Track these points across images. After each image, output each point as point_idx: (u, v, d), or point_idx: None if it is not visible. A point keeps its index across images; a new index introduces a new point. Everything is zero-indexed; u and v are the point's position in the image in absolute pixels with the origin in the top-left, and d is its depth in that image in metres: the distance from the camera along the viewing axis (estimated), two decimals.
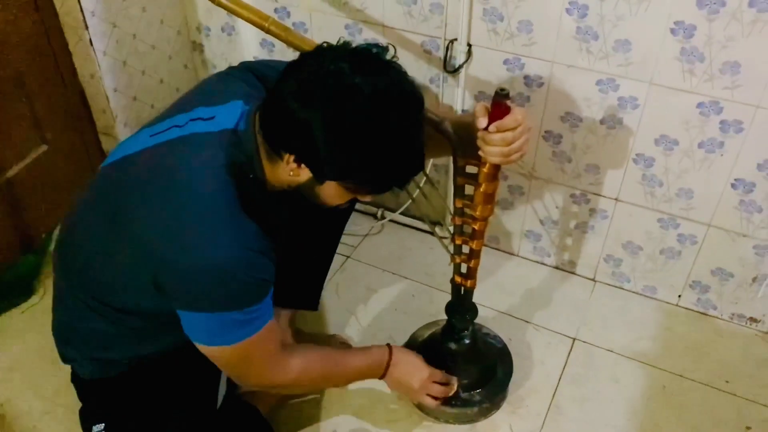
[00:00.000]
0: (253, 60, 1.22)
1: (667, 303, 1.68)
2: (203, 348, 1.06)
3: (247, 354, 1.07)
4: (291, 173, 1.00)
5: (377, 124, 0.93)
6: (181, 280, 0.98)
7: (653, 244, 1.60)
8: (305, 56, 0.99)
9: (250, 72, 1.15)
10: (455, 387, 1.38)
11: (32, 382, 1.48)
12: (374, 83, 0.93)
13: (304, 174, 1.00)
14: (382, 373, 1.30)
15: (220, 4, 1.05)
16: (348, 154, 0.95)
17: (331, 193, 1.03)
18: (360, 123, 0.93)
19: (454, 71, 1.54)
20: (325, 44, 1.01)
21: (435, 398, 1.35)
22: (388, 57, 0.99)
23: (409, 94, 0.98)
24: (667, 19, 1.28)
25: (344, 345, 1.56)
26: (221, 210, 0.97)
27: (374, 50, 0.98)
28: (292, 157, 0.98)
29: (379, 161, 0.97)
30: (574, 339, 1.60)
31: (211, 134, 1.02)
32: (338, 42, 1.01)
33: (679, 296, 1.66)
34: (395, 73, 0.97)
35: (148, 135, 1.08)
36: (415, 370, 1.33)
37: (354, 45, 0.99)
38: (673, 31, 1.28)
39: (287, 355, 1.15)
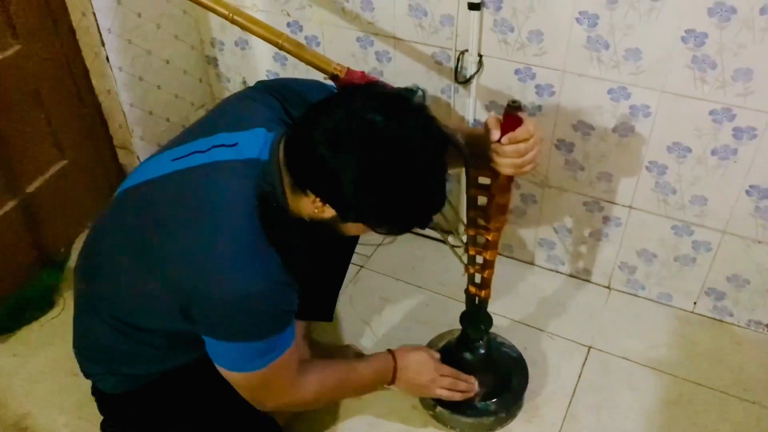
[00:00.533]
0: (270, 79, 1.22)
1: (683, 310, 1.68)
2: (225, 373, 1.08)
3: (267, 379, 1.10)
4: (316, 210, 1.02)
5: (407, 173, 0.95)
6: (211, 311, 1.00)
7: (667, 251, 1.60)
8: (334, 101, 1.00)
9: (270, 95, 1.15)
10: (472, 381, 1.39)
11: (53, 395, 1.50)
12: (405, 133, 0.95)
13: (329, 212, 1.01)
14: (391, 378, 1.31)
15: (234, 23, 1.07)
16: (375, 201, 0.97)
17: (354, 229, 1.06)
18: (390, 172, 0.95)
19: (465, 82, 1.55)
20: (352, 87, 1.02)
21: (451, 392, 1.36)
22: (416, 100, 1.00)
23: (438, 140, 0.99)
24: (677, 27, 1.28)
25: (358, 355, 1.56)
26: (248, 242, 0.98)
27: (403, 94, 1.00)
28: (318, 199, 0.99)
29: (406, 207, 1.00)
30: (589, 347, 1.60)
31: (235, 162, 1.03)
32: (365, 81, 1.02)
33: (695, 303, 1.66)
34: (424, 119, 0.98)
35: (169, 159, 1.08)
36: (421, 367, 1.34)
37: (380, 86, 1.01)
38: (683, 39, 1.29)
39: (302, 378, 1.17)
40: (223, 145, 1.05)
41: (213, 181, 1.02)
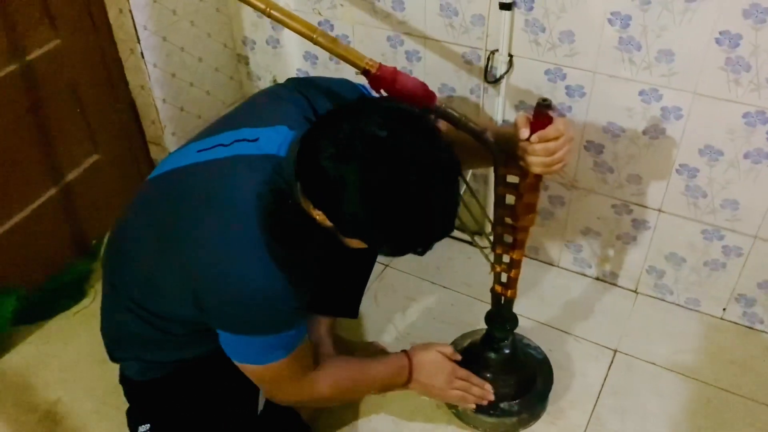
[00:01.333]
0: (300, 77, 1.23)
1: (712, 316, 1.65)
2: (238, 364, 1.11)
3: (278, 374, 1.12)
4: (317, 217, 1.00)
5: (408, 193, 0.92)
6: (220, 305, 1.02)
7: (697, 255, 1.58)
8: (343, 112, 0.98)
9: (299, 93, 1.15)
10: (487, 388, 1.38)
11: (83, 383, 1.53)
12: (411, 151, 0.91)
13: (329, 222, 1.00)
14: (406, 379, 1.31)
15: (271, 16, 1.08)
16: (373, 218, 0.93)
17: (354, 242, 1.03)
18: (391, 190, 0.91)
19: (495, 82, 1.55)
20: (363, 99, 1.01)
21: (466, 396, 1.36)
22: (426, 119, 0.97)
23: (447, 165, 0.95)
24: (711, 28, 1.27)
25: (383, 353, 1.57)
26: (260, 238, 0.98)
27: (414, 113, 0.96)
28: (319, 210, 0.98)
29: (404, 228, 0.95)
30: (615, 351, 1.58)
31: (255, 157, 1.03)
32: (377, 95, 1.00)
33: (724, 309, 1.63)
34: (434, 140, 0.94)
35: (195, 150, 1.10)
36: (436, 368, 1.33)
37: (392, 104, 0.97)
38: (717, 40, 1.27)
39: (315, 374, 1.19)
40: (245, 140, 1.07)
41: (230, 175, 1.03)
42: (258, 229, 0.99)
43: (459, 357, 1.38)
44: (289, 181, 1.02)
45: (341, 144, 0.92)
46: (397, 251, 1.01)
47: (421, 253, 1.00)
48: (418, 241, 0.98)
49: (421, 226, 0.96)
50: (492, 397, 1.38)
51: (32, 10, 1.52)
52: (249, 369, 1.11)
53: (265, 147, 1.04)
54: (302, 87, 1.17)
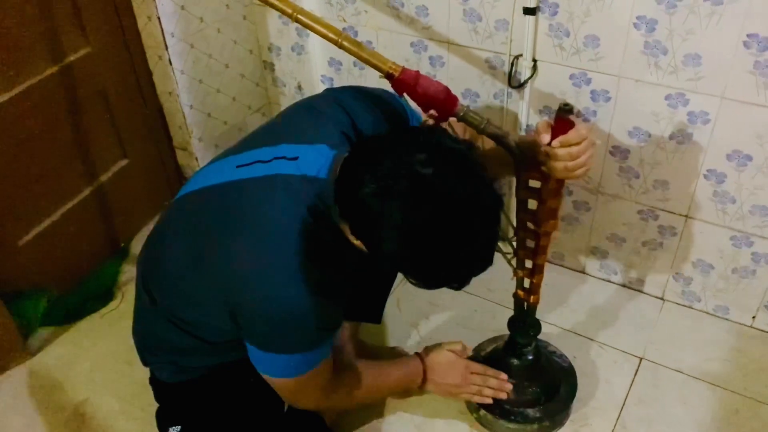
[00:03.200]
0: (339, 88, 1.21)
1: (740, 324, 1.62)
2: (264, 376, 1.13)
3: (301, 386, 1.14)
4: (355, 242, 1.00)
5: (450, 234, 0.91)
6: (255, 324, 1.04)
7: (725, 262, 1.55)
8: (388, 143, 0.96)
9: (339, 107, 1.14)
10: (503, 377, 1.38)
11: (111, 383, 1.56)
12: (456, 192, 0.90)
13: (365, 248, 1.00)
14: (422, 380, 1.33)
15: (298, 21, 1.09)
16: (412, 255, 0.93)
17: (387, 267, 1.05)
18: (433, 229, 0.90)
19: (519, 86, 1.54)
20: (407, 131, 0.99)
21: (483, 389, 1.36)
22: (471, 155, 0.94)
23: (491, 205, 0.94)
24: (739, 32, 1.25)
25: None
26: (297, 260, 0.99)
27: (460, 150, 0.94)
28: (355, 237, 0.98)
29: (443, 267, 0.95)
30: (641, 358, 1.56)
31: (294, 178, 1.02)
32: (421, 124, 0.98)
33: (753, 317, 1.60)
34: (480, 180, 0.93)
35: (234, 165, 1.10)
36: (449, 367, 1.34)
37: (437, 138, 0.95)
38: (746, 44, 1.25)
39: (336, 382, 1.20)
40: (284, 158, 1.06)
41: (270, 195, 1.03)
42: (295, 251, 0.99)
43: (470, 352, 1.39)
44: (328, 204, 1.01)
45: (384, 180, 0.90)
46: (433, 286, 1.01)
47: (457, 288, 1.00)
48: (455, 278, 0.98)
49: (460, 265, 0.96)
50: (509, 387, 1.38)
51: (64, 18, 1.55)
52: (274, 381, 1.13)
53: (304, 168, 1.03)
54: (341, 101, 1.16)
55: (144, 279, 1.20)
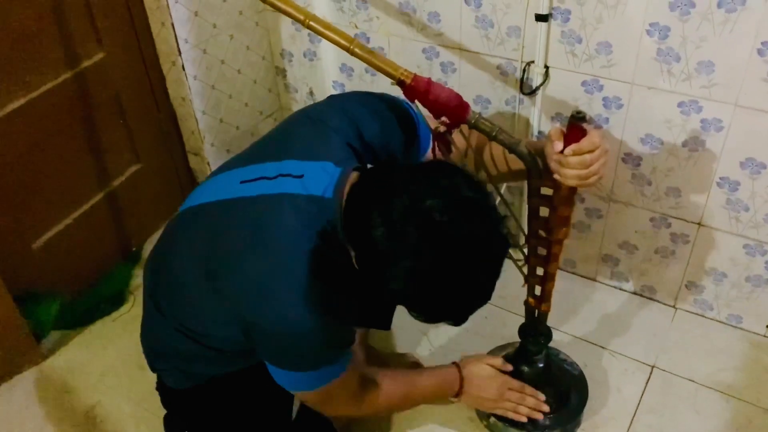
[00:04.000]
0: (344, 95, 1.21)
1: (754, 333, 1.61)
2: (287, 389, 1.12)
3: (325, 397, 1.13)
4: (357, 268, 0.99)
5: (458, 277, 0.92)
6: (270, 343, 1.05)
7: (738, 271, 1.54)
8: (400, 182, 0.94)
9: (344, 116, 1.13)
10: (541, 397, 1.38)
11: (121, 387, 1.56)
12: (467, 237, 0.90)
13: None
14: (457, 391, 1.32)
15: (310, 27, 1.10)
16: (416, 294, 0.94)
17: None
18: (440, 273, 0.91)
19: (531, 93, 1.54)
20: (420, 168, 0.98)
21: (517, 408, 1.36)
22: (485, 203, 0.94)
23: (500, 248, 0.95)
24: (753, 39, 1.24)
25: (415, 365, 1.57)
26: (311, 279, 0.98)
27: (475, 197, 0.93)
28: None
29: (447, 306, 0.97)
30: (652, 367, 1.55)
31: (301, 198, 1.02)
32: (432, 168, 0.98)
33: (767, 327, 1.59)
34: (491, 224, 0.93)
35: (238, 181, 1.09)
36: (488, 381, 1.33)
37: (452, 180, 0.94)
38: (760, 51, 1.25)
39: (365, 390, 1.20)
40: (290, 175, 1.05)
41: (276, 215, 1.02)
42: (305, 273, 0.99)
43: (510, 368, 1.38)
44: (334, 225, 1.01)
45: (395, 223, 0.90)
46: (430, 321, 1.03)
47: (455, 325, 1.03)
48: (455, 316, 1.00)
49: (461, 304, 0.98)
50: (546, 408, 1.37)
51: (79, 24, 1.57)
52: (299, 394, 1.14)
53: (310, 187, 1.03)
54: (347, 108, 1.15)
55: (151, 289, 1.20)
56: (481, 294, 0.98)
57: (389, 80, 1.11)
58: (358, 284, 1.05)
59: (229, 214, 1.07)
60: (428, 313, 0.99)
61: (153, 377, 1.31)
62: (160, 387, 1.30)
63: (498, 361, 1.37)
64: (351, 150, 1.10)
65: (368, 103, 1.17)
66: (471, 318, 1.65)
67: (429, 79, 1.07)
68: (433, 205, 0.90)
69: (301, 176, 1.04)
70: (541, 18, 1.42)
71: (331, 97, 1.22)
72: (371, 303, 1.36)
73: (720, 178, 1.43)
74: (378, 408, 1.24)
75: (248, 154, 1.16)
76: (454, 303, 0.96)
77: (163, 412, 1.30)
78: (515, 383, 1.37)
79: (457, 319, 1.01)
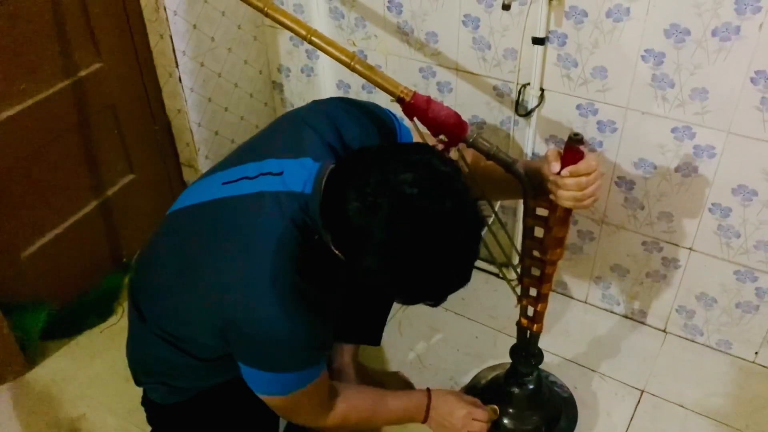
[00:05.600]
0: (326, 99, 1.22)
1: (743, 359, 1.61)
2: (257, 393, 1.11)
3: (297, 402, 1.13)
4: (337, 253, 1.00)
5: (431, 252, 0.91)
6: (246, 343, 1.04)
7: (729, 297, 1.55)
8: (373, 160, 0.96)
9: (325, 118, 1.14)
10: (495, 413, 1.38)
11: (108, 400, 1.54)
12: (439, 211, 0.90)
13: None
14: (424, 416, 1.32)
15: (311, 43, 1.11)
16: (392, 270, 0.94)
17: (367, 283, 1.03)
18: (414, 247, 0.91)
19: (526, 115, 1.55)
20: (393, 146, 1.00)
21: None
22: (457, 178, 0.94)
23: (473, 226, 0.95)
24: (747, 68, 1.26)
25: (406, 383, 1.56)
26: (286, 279, 0.99)
27: (445, 171, 0.94)
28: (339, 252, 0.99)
29: (422, 283, 0.96)
30: (642, 391, 1.55)
31: (280, 194, 1.02)
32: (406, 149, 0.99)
33: (756, 353, 1.59)
34: (464, 202, 0.93)
35: (219, 182, 1.10)
36: (452, 409, 1.33)
37: (423, 156, 0.95)
38: (753, 80, 1.27)
39: (333, 401, 1.20)
40: (270, 173, 1.06)
41: (256, 213, 1.02)
42: (284, 270, 0.99)
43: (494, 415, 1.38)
44: (315, 219, 1.01)
45: (368, 196, 0.91)
46: (409, 302, 1.04)
47: (434, 305, 1.01)
48: (432, 294, 0.99)
49: (438, 282, 0.97)
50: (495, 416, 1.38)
51: (77, 34, 1.57)
52: (269, 399, 1.12)
53: (290, 183, 1.04)
54: (328, 111, 1.16)
55: (136, 299, 1.20)
56: (457, 271, 0.96)
57: (386, 97, 1.11)
58: (339, 280, 1.06)
59: (211, 214, 1.07)
60: (406, 292, 0.99)
61: (139, 391, 1.30)
62: (146, 402, 1.29)
63: (470, 399, 1.37)
64: (330, 149, 1.10)
65: (349, 107, 1.18)
66: (462, 337, 1.69)
67: (429, 97, 1.08)
68: (405, 178, 0.90)
69: (280, 173, 1.05)
70: (537, 41, 1.43)
71: (314, 101, 1.22)
72: (362, 304, 1.36)
73: (712, 204, 1.45)
74: (344, 421, 1.22)
75: (231, 158, 1.17)
76: (430, 279, 0.95)
77: (148, 427, 1.29)
78: (481, 414, 1.35)
79: (435, 299, 0.99)
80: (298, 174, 1.04)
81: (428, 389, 1.35)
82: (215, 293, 1.02)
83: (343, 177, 0.97)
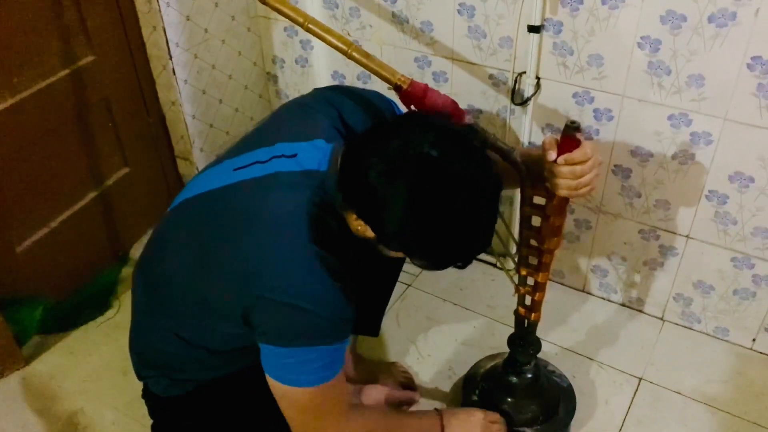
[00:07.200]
0: (328, 87, 1.22)
1: (740, 346, 1.62)
2: (277, 387, 1.05)
3: (317, 400, 1.06)
4: (359, 228, 1.01)
5: (455, 212, 0.94)
6: (274, 316, 1.00)
7: (726, 284, 1.55)
8: (392, 128, 0.99)
9: (329, 104, 1.15)
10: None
11: (105, 394, 1.54)
12: (460, 171, 0.93)
13: (371, 233, 1.01)
14: (440, 427, 1.31)
15: (308, 30, 1.10)
16: (419, 234, 0.96)
17: (393, 253, 1.04)
18: (438, 208, 0.93)
19: (522, 103, 1.55)
20: (412, 115, 1.01)
21: None
22: (477, 140, 0.99)
23: (492, 184, 0.98)
24: (743, 54, 1.26)
25: (405, 374, 1.56)
26: (308, 250, 0.98)
27: (464, 132, 0.98)
28: (361, 221, 0.99)
29: (448, 244, 0.98)
30: (640, 379, 1.55)
31: (295, 174, 1.03)
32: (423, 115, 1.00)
33: (754, 340, 1.60)
34: (482, 160, 0.97)
35: (230, 169, 1.09)
36: (468, 415, 1.33)
37: (441, 121, 0.98)
38: (749, 66, 1.26)
39: (351, 415, 1.15)
40: (282, 156, 1.06)
41: (274, 191, 1.03)
42: (307, 240, 0.98)
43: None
44: (331, 195, 1.02)
45: (391, 161, 0.93)
46: (438, 266, 1.05)
47: (462, 267, 1.02)
48: (460, 256, 1.01)
49: (464, 243, 0.99)
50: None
51: (70, 26, 1.56)
52: (290, 392, 1.05)
53: (304, 163, 1.04)
54: (331, 99, 1.16)
55: (145, 290, 1.19)
56: (483, 229, 0.99)
57: (383, 86, 1.11)
58: (357, 253, 1.05)
59: (225, 200, 1.07)
60: (431, 254, 1.00)
61: (137, 384, 1.29)
62: (147, 394, 1.28)
63: (486, 415, 1.36)
64: (337, 132, 1.11)
65: (350, 95, 1.18)
66: (460, 328, 1.69)
67: (426, 85, 1.08)
68: (426, 140, 0.93)
69: (294, 155, 1.06)
70: (533, 29, 1.43)
71: (316, 89, 1.23)
72: (362, 294, 1.34)
73: (709, 191, 1.44)
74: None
75: (239, 146, 1.16)
76: (453, 241, 0.97)
77: (148, 420, 1.28)
78: (494, 416, 1.35)
79: (462, 261, 1.01)
80: (313, 154, 1.05)
81: (437, 410, 1.34)
82: (239, 272, 1.00)
83: (363, 148, 0.98)
